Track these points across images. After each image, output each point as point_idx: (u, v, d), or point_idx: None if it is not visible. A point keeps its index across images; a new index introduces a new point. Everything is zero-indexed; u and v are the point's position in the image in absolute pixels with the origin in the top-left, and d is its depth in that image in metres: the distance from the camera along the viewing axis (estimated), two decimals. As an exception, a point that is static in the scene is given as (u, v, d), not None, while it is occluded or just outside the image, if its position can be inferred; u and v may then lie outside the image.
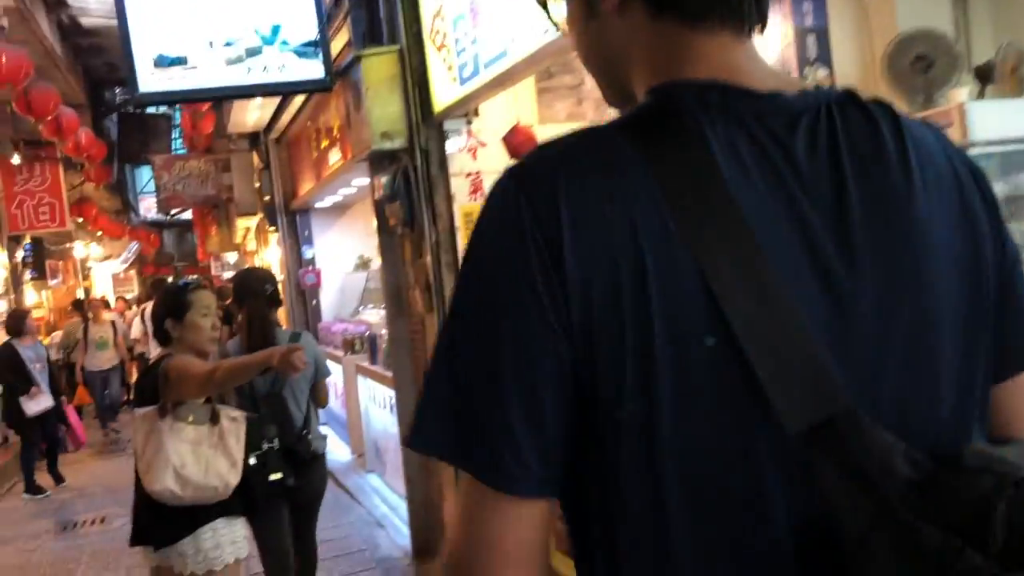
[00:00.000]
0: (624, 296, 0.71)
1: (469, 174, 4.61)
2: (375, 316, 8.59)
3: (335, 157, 7.41)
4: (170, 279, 23.44)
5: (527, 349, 0.73)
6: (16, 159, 10.21)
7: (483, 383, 0.74)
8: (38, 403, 7.93)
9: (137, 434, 3.12)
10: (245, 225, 12.46)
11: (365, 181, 7.54)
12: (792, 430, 0.70)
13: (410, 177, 4.66)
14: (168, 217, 26.89)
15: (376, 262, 10.35)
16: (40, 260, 13.48)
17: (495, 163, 4.60)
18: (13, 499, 8.50)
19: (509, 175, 0.78)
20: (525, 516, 0.74)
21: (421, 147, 4.59)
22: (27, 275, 11.00)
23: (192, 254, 30.52)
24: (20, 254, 11.06)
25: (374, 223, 10.54)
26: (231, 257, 22.32)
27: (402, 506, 6.32)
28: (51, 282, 14.77)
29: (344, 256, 10.12)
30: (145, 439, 3.05)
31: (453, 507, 0.89)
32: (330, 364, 9.21)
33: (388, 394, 6.62)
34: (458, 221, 4.56)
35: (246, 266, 17.69)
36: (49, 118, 7.22)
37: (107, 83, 11.61)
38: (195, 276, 19.28)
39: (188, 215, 25.32)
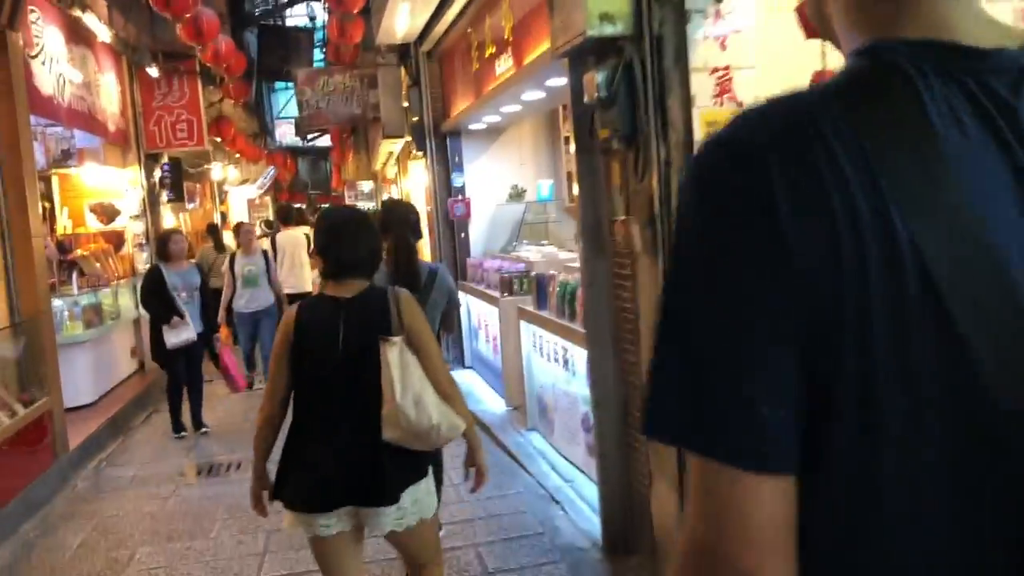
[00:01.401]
0: (844, 260, 0.70)
1: (715, 70, 3.46)
2: (535, 253, 7.60)
3: (504, 66, 6.36)
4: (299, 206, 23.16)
5: (763, 319, 0.72)
6: (154, 71, 9.60)
7: (721, 358, 0.73)
8: (178, 334, 7.15)
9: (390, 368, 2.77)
10: (388, 150, 11.64)
11: (536, 96, 6.49)
12: (1007, 407, 0.69)
13: (635, 74, 3.55)
14: (305, 142, 26.71)
15: (531, 193, 9.39)
16: (178, 181, 13.06)
17: (751, 55, 3.44)
18: (148, 431, 8.02)
19: (717, 143, 0.78)
20: (777, 494, 0.73)
21: (652, 33, 3.47)
22: (164, 196, 10.50)
23: (325, 182, 30.44)
24: (157, 174, 10.54)
25: (528, 148, 9.63)
26: (366, 186, 21.82)
27: (579, 478, 5.37)
28: (188, 205, 14.43)
29: (496, 185, 9.15)
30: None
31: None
32: (481, 304, 8.44)
33: (560, 344, 5.64)
34: (698, 132, 3.44)
35: (385, 195, 17.08)
36: (187, 16, 6.40)
37: (246, -8, 10.90)
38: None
39: (325, 141, 25.02)
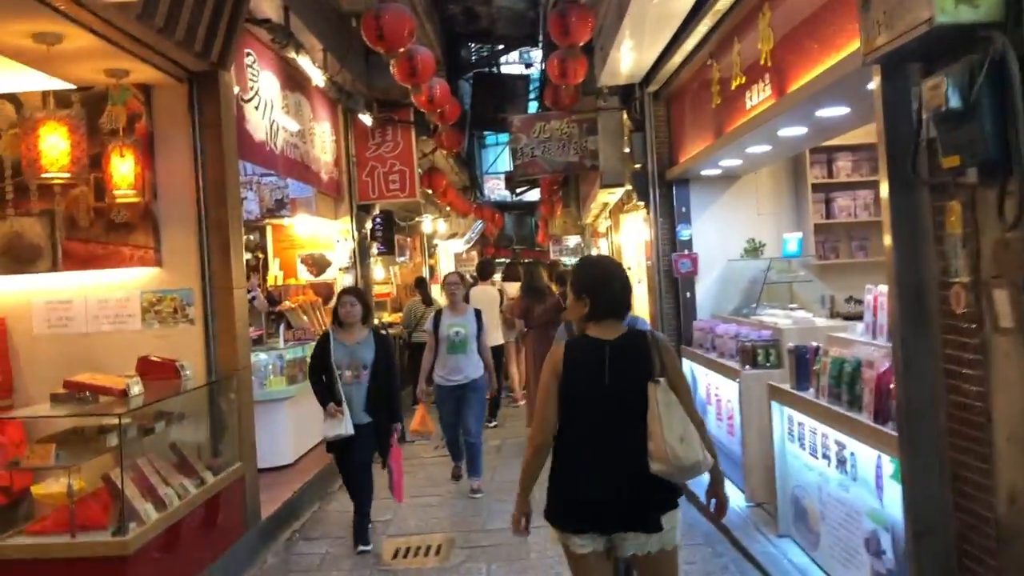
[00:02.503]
0: None
1: None
2: (782, 318, 6.43)
3: (758, 97, 5.34)
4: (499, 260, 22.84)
5: None
6: (368, 119, 9.31)
7: None
8: (331, 426, 5.80)
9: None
10: (603, 200, 10.84)
11: (794, 132, 5.42)
12: None
13: (1011, 74, 2.46)
14: (513, 195, 26.61)
15: (770, 248, 8.21)
16: (389, 234, 12.88)
17: None
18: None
19: None
20: None
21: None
22: (374, 248, 10.19)
23: (530, 237, 30.26)
24: (368, 225, 10.25)
25: (766, 197, 8.45)
26: (572, 240, 21.23)
27: (860, 617, 4.15)
28: (399, 258, 14.26)
29: (729, 239, 8.06)
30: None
31: None
32: (713, 376, 7.30)
33: (832, 437, 4.47)
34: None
35: (594, 251, 16.34)
36: (402, 52, 5.86)
37: (462, 37, 10.51)
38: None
39: (532, 195, 24.77)
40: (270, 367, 7.92)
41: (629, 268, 13.05)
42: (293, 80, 7.83)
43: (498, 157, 25.23)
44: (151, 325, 5.75)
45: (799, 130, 5.38)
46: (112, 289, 5.73)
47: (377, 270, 14.76)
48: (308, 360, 8.37)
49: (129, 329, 5.75)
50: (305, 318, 8.87)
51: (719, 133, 6.38)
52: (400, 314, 13.28)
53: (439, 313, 7.50)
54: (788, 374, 5.28)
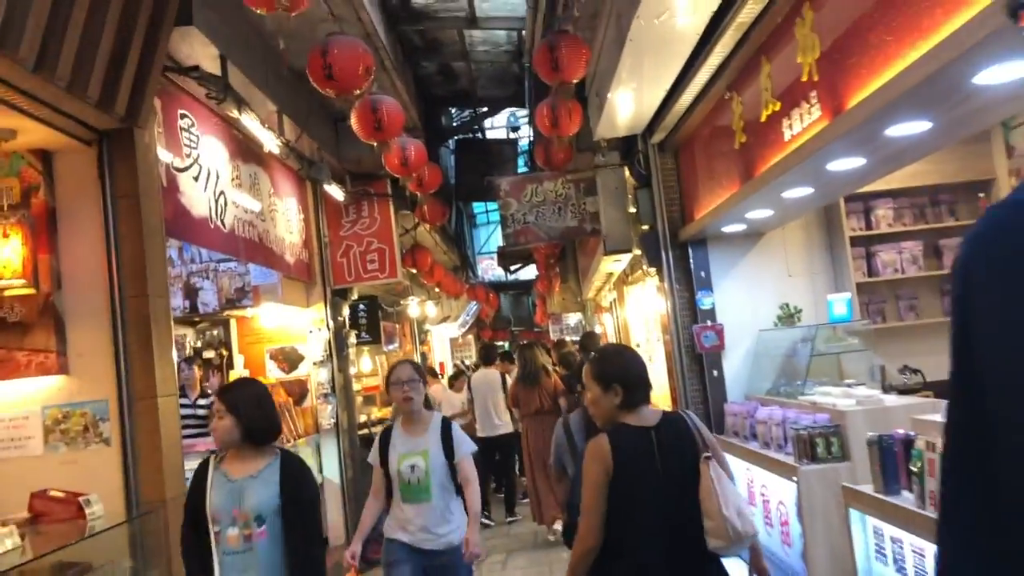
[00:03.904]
0: None
1: None
2: (840, 397, 5.25)
3: (802, 123, 4.29)
4: (501, 343, 21.72)
5: None
6: (338, 193, 8.27)
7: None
8: None
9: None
10: (607, 270, 9.74)
11: (850, 164, 4.35)
12: None
13: None
14: (508, 274, 25.55)
15: (808, 313, 7.08)
16: (374, 321, 11.74)
17: None
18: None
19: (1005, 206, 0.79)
20: None
21: None
22: (352, 337, 9.05)
23: (528, 318, 29.14)
24: (346, 312, 9.12)
25: (798, 255, 7.32)
26: (572, 319, 20.09)
27: None
28: (387, 347, 13.09)
29: (758, 306, 6.96)
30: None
31: None
32: (758, 472, 5.36)
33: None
34: None
35: (597, 327, 15.21)
36: (361, 97, 4.84)
37: (441, 101, 9.57)
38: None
39: (528, 273, 23.71)
40: (228, 484, 6.68)
41: (637, 345, 11.88)
42: (246, 150, 6.80)
43: (491, 236, 24.30)
44: (56, 449, 4.56)
45: (854, 162, 4.31)
46: (5, 407, 4.56)
47: (364, 361, 13.58)
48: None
49: (28, 456, 4.56)
50: (272, 422, 7.64)
51: (746, 177, 5.32)
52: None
53: (386, 433, 4.52)
54: (870, 473, 4.08)
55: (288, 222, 7.86)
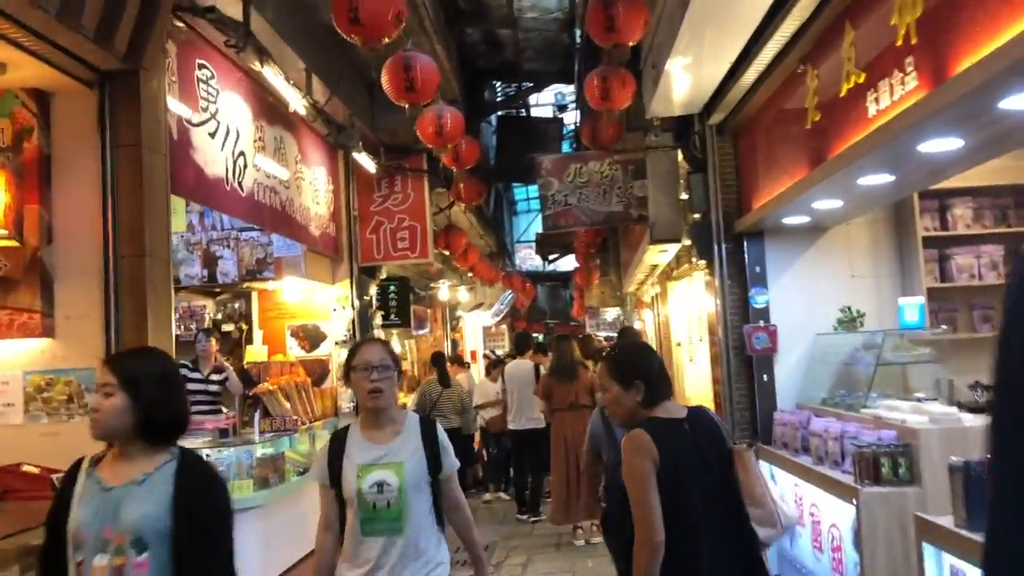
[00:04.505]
0: None
1: None
2: (910, 413, 4.66)
3: (892, 95, 3.71)
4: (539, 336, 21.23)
5: None
6: (370, 165, 7.80)
7: None
8: None
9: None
10: (652, 261, 9.17)
11: (944, 146, 3.78)
12: None
13: None
14: (546, 263, 25.03)
15: (871, 318, 6.49)
16: (404, 303, 11.29)
17: None
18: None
19: None
20: None
21: None
22: (378, 318, 8.57)
23: (564, 311, 28.58)
24: (373, 291, 8.66)
25: (862, 254, 6.59)
26: (610, 314, 19.50)
27: None
28: (417, 332, 12.65)
29: (815, 307, 6.36)
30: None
31: None
32: (811, 490, 4.41)
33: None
34: None
35: (636, 324, 14.65)
36: (430, 112, 4.35)
37: (484, 74, 9.05)
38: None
39: (567, 264, 23.15)
40: (235, 467, 6.26)
41: (679, 344, 11.32)
42: (272, 111, 6.36)
43: (531, 224, 23.74)
44: (36, 419, 4.16)
45: (951, 143, 3.72)
46: (-17, 369, 4.16)
47: (393, 345, 13.16)
48: (285, 458, 6.76)
49: (6, 425, 4.16)
50: (287, 404, 7.23)
51: (817, 161, 4.74)
52: (414, 394, 11.63)
53: (339, 438, 3.22)
54: (948, 502, 3.51)
55: (315, 192, 7.41)
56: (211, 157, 5.29)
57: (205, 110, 5.20)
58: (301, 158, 7.05)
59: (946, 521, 3.49)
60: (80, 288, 4.15)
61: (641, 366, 3.10)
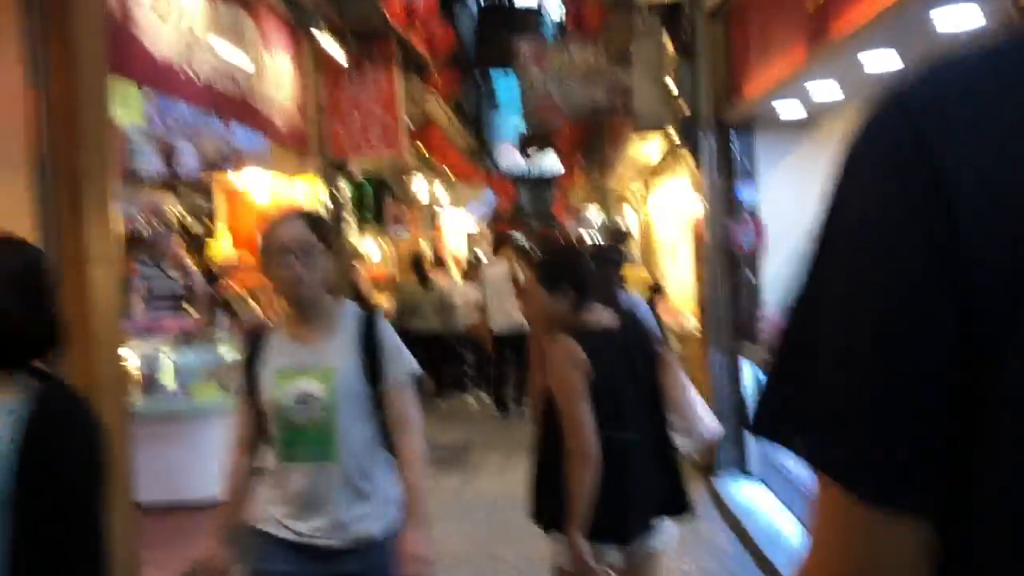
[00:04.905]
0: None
1: None
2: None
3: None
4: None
5: (909, 315, 0.59)
6: (339, 54, 7.32)
7: (852, 359, 0.61)
8: None
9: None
10: (637, 155, 8.78)
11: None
12: None
13: None
14: (526, 156, 24.45)
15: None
16: (380, 202, 10.95)
17: None
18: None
19: (894, 101, 0.63)
20: (906, 537, 0.60)
21: None
22: (352, 216, 8.17)
23: (547, 212, 28.21)
24: (345, 187, 8.27)
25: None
26: (593, 213, 19.15)
27: None
28: (395, 232, 12.31)
29: (807, 205, 6.04)
30: None
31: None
32: None
33: None
34: None
35: (619, 222, 14.32)
36: None
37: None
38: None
39: (550, 164, 22.62)
40: (198, 370, 6.03)
41: (662, 243, 11.06)
42: (230, -11, 5.87)
43: (512, 121, 23.12)
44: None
45: (968, 8, 3.36)
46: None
47: (372, 247, 12.84)
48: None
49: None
50: (256, 306, 6.95)
51: (820, 40, 4.36)
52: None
53: (255, 338, 2.60)
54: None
55: (279, 81, 6.95)
56: (159, 37, 4.83)
57: (151, -14, 4.73)
58: (263, 44, 6.56)
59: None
60: (7, 183, 3.76)
61: (569, 268, 2.93)
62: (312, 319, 2.47)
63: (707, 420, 3.01)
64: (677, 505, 2.94)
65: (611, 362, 2.82)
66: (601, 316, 2.93)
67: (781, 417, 0.66)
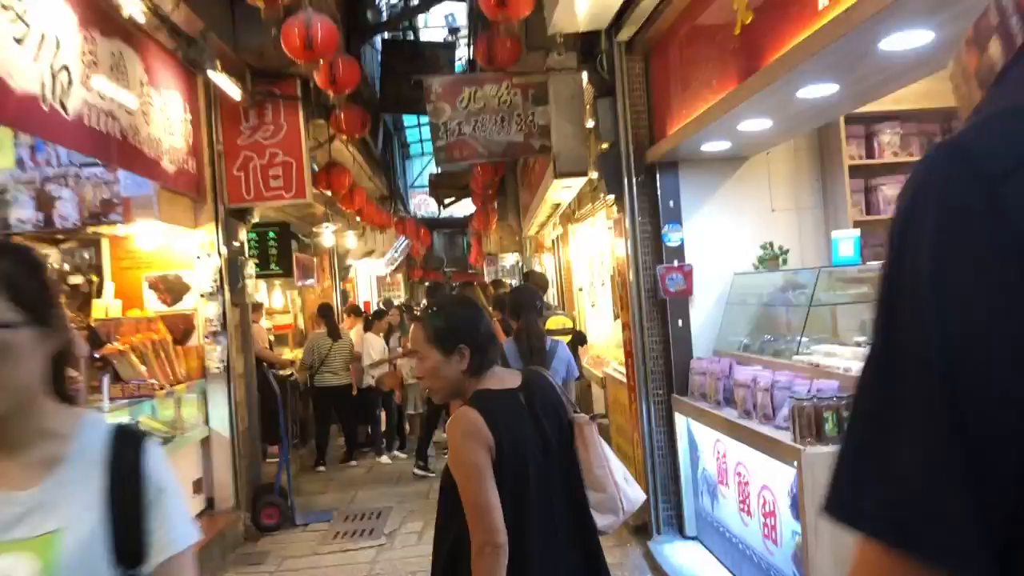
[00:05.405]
0: None
1: None
2: (859, 363, 4.14)
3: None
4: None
5: (988, 375, 0.60)
6: (235, 92, 6.81)
7: (926, 430, 0.62)
8: None
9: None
10: (555, 200, 8.47)
11: (911, 40, 3.17)
12: None
13: None
14: (441, 208, 24.04)
15: (795, 256, 5.98)
16: (286, 251, 10.38)
17: None
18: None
19: (961, 156, 0.64)
20: None
21: None
22: (250, 267, 7.60)
23: (462, 259, 27.78)
24: (244, 235, 7.67)
25: (783, 187, 5.74)
26: (509, 259, 18.81)
27: None
28: (301, 282, 11.71)
29: (734, 245, 5.82)
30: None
31: None
32: (734, 446, 3.65)
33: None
34: None
35: (537, 269, 14.00)
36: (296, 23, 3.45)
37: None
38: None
39: (464, 209, 22.18)
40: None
41: (580, 289, 10.75)
42: (106, 20, 5.33)
43: (425, 168, 22.76)
44: None
45: (921, 36, 3.09)
46: None
47: (275, 296, 12.21)
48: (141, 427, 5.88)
49: None
50: (142, 366, 6.29)
51: (749, 72, 4.08)
52: (300, 351, 10.77)
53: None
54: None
55: (168, 121, 6.38)
56: (19, 68, 4.26)
57: (7, 8, 4.17)
58: (148, 79, 6.01)
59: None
60: None
61: (465, 326, 2.53)
62: (14, 447, 1.36)
63: (628, 491, 2.71)
64: None
65: (518, 431, 2.47)
66: (503, 378, 2.58)
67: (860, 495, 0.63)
